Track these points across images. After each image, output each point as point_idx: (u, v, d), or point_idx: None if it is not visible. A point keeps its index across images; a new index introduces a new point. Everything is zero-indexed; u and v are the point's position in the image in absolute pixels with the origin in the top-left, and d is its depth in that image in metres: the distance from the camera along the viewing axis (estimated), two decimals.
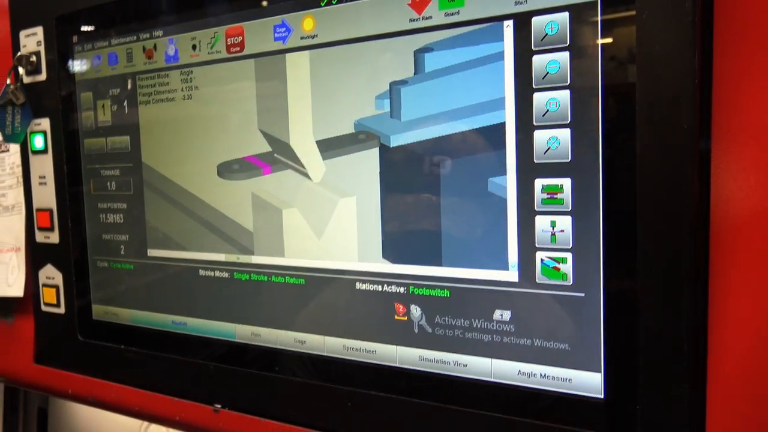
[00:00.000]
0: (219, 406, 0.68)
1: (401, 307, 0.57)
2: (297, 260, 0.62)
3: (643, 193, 0.46)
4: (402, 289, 0.57)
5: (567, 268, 0.50)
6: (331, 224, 0.60)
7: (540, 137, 0.50)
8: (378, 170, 0.57)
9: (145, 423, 0.97)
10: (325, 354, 0.61)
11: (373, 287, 0.58)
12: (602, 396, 0.49)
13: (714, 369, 0.46)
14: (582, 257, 0.49)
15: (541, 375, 0.51)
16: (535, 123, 0.50)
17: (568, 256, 0.49)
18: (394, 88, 0.56)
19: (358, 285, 0.59)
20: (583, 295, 0.49)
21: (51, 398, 1.14)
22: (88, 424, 1.06)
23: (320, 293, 0.61)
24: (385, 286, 0.58)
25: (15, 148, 0.87)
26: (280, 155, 0.63)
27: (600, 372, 0.49)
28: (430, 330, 0.56)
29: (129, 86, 0.73)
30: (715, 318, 0.46)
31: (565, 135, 0.49)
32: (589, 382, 0.49)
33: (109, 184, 0.75)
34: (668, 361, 0.46)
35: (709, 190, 0.45)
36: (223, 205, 0.67)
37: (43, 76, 0.80)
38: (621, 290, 0.48)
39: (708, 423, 0.46)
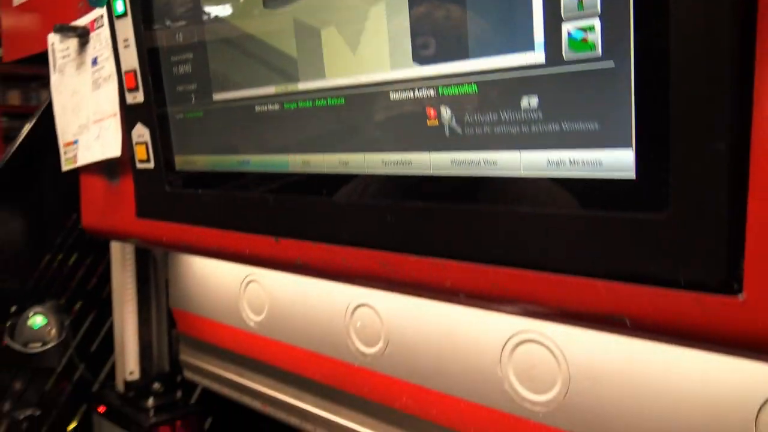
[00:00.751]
0: (279, 237, 0.70)
1: (432, 110, 0.55)
2: (336, 80, 0.62)
3: None
4: (432, 92, 0.55)
5: (595, 37, 0.45)
6: (364, 36, 0.59)
7: None
8: None
9: (245, 279, 1.03)
10: (366, 172, 0.61)
11: (405, 95, 0.57)
12: (634, 175, 0.44)
13: (759, 140, 0.39)
14: (611, 23, 0.44)
15: (570, 162, 0.47)
16: None
17: (596, 23, 0.44)
18: None
19: (392, 95, 0.58)
20: (612, 65, 0.44)
21: (170, 269, 1.25)
22: (198, 286, 1.15)
23: (359, 110, 0.61)
24: (416, 91, 0.56)
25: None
26: None
27: (631, 147, 0.44)
28: (460, 131, 0.53)
29: None
30: (763, 79, 0.39)
31: None
32: (620, 162, 0.45)
33: (177, 35, 0.79)
34: (705, 130, 0.40)
35: None
36: (270, 36, 0.67)
37: None
38: (653, 55, 0.42)
39: (750, 200, 0.40)
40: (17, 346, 1.17)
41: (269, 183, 0.71)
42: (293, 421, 0.98)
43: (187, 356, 1.22)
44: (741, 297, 0.40)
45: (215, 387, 1.15)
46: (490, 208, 0.52)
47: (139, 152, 0.88)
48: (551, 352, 0.67)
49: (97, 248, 1.43)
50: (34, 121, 1.39)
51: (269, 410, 1.02)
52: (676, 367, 0.59)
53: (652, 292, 0.44)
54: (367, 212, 0.61)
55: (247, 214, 0.74)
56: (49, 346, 1.19)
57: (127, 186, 0.94)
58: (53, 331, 1.20)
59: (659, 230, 0.43)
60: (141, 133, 0.87)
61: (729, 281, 0.40)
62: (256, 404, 1.05)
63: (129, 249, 1.26)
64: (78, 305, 1.45)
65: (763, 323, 0.40)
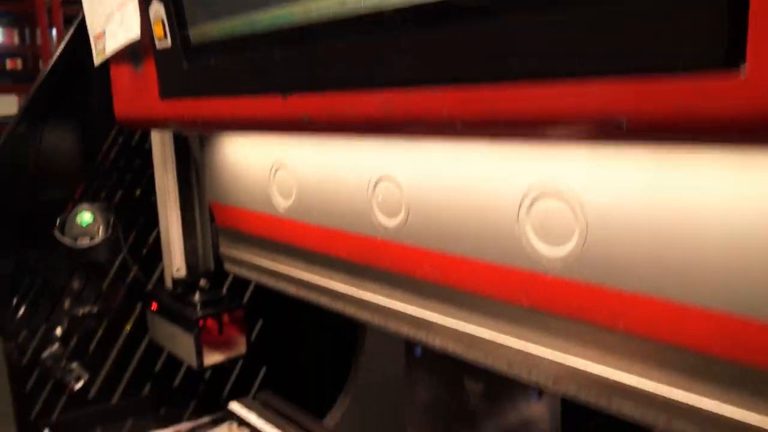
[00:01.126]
0: (286, 93, 0.69)
1: None
2: None
3: None
4: None
5: None
6: None
7: None
8: None
9: (273, 167, 1.03)
10: (362, 9, 0.59)
11: None
12: None
13: None
14: None
15: None
16: None
17: None
18: None
19: None
20: None
21: (206, 165, 1.27)
22: (232, 178, 1.16)
23: None
24: None
25: None
26: None
27: None
28: None
29: None
30: None
31: None
32: None
33: None
34: None
35: None
36: None
37: None
38: None
39: None
40: (67, 241, 1.22)
41: (275, 39, 0.70)
42: (323, 301, 1.00)
43: (225, 248, 1.25)
44: (743, 75, 0.36)
45: (253, 276, 1.17)
46: (475, 27, 0.49)
47: (157, 30, 0.88)
48: (567, 203, 0.65)
49: (142, 155, 1.47)
50: (72, 30, 1.41)
51: (301, 293, 1.04)
52: (694, 208, 0.56)
53: (649, 87, 0.40)
54: (363, 52, 0.59)
55: (256, 75, 0.73)
56: (97, 241, 1.24)
57: (150, 70, 0.94)
58: (100, 228, 1.25)
59: (656, 11, 0.39)
60: (156, 9, 0.87)
61: (732, 55, 0.36)
62: (290, 288, 1.07)
63: (169, 149, 1.28)
64: (128, 211, 1.50)
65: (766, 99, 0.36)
